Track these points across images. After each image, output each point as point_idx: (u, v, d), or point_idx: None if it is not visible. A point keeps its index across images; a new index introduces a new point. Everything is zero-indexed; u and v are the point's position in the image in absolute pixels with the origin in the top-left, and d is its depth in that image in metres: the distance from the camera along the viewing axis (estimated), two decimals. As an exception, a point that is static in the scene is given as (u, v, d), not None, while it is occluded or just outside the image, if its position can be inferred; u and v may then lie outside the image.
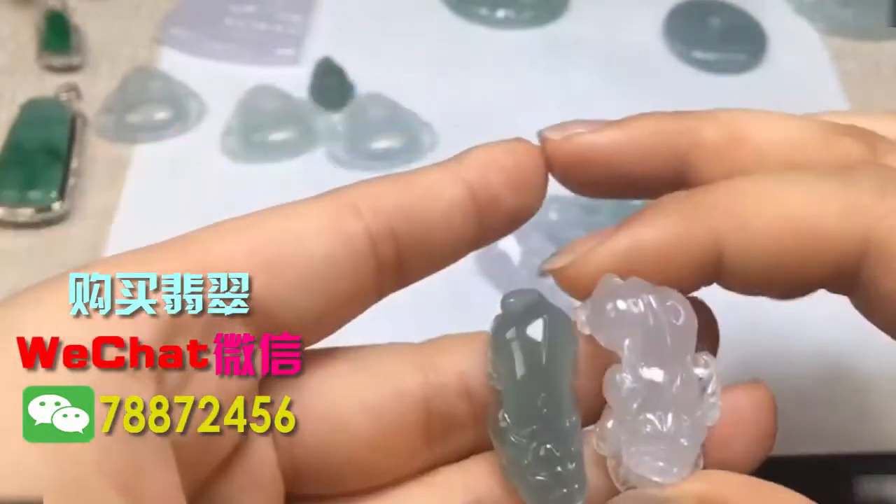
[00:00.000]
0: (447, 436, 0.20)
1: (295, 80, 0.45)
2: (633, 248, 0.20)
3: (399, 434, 0.20)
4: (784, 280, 0.20)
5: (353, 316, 0.20)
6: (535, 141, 0.22)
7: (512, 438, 0.19)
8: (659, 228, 0.20)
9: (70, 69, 0.46)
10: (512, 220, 0.20)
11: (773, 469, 0.32)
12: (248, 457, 0.19)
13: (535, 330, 0.19)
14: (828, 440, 0.33)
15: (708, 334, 0.20)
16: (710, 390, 0.19)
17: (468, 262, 0.37)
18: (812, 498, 0.32)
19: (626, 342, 0.19)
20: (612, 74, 0.48)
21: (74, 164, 0.40)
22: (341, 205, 0.19)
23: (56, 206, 0.38)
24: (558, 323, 0.19)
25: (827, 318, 0.36)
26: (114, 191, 0.40)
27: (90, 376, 0.15)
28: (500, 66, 0.48)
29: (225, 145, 0.43)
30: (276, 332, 0.18)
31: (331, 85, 0.45)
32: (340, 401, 0.19)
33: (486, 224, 0.20)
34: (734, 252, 0.20)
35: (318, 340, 0.20)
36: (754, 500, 0.18)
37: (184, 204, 0.39)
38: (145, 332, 0.16)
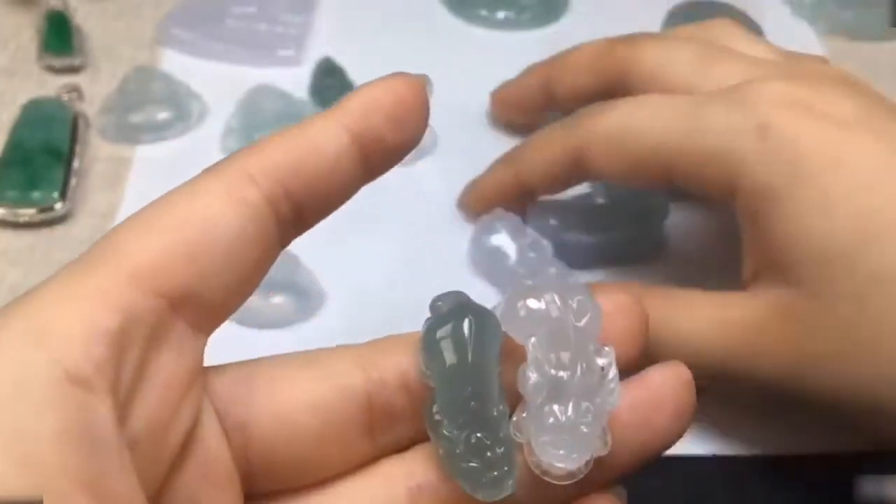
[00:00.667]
0: (389, 429, 0.22)
1: (295, 80, 0.45)
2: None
3: (344, 428, 0.21)
4: (635, 182, 0.33)
5: (265, 272, 0.21)
6: None
7: (445, 431, 0.20)
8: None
9: (71, 70, 0.46)
10: (396, 156, 0.21)
11: (774, 468, 0.33)
12: (201, 453, 0.19)
13: (461, 328, 0.21)
14: (828, 440, 0.33)
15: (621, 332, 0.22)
16: (609, 377, 0.20)
17: (463, 262, 0.38)
18: (812, 498, 0.32)
19: (532, 340, 0.20)
20: (612, 75, 0.48)
21: (76, 164, 0.40)
22: (238, 177, 0.20)
23: (58, 206, 0.38)
24: (483, 321, 0.21)
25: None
26: (115, 191, 0.40)
27: None
28: (499, 67, 0.48)
29: (226, 145, 0.43)
30: (205, 312, 0.19)
31: (331, 85, 0.45)
32: (288, 400, 0.21)
33: (372, 163, 0.21)
34: (592, 160, 0.33)
35: (240, 305, 0.20)
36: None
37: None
38: (97, 352, 0.17)
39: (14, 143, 0.40)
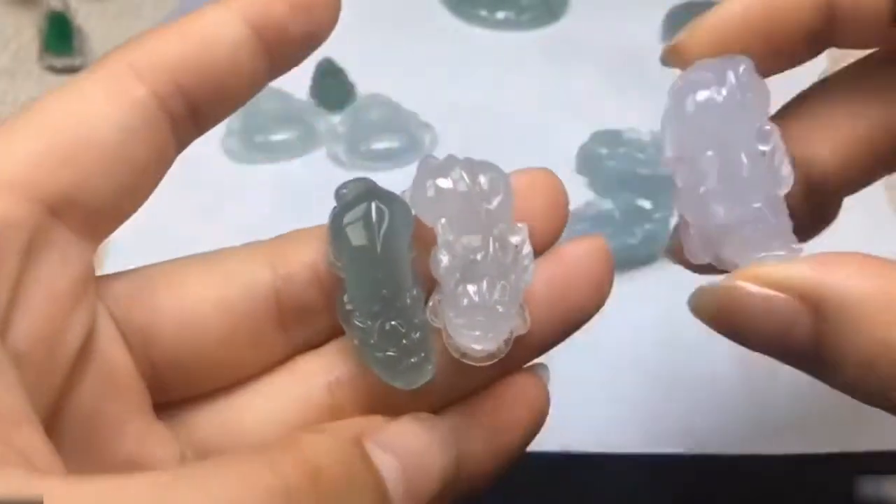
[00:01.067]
0: (301, 324, 0.21)
1: (295, 80, 0.45)
2: (747, 8, 0.21)
3: (252, 326, 0.20)
4: None
5: (162, 173, 0.20)
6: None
7: (356, 322, 0.19)
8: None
9: (72, 70, 0.46)
10: (304, 48, 0.20)
11: (774, 468, 0.33)
12: (99, 363, 0.19)
13: (368, 214, 0.20)
14: (828, 440, 0.33)
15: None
16: (523, 253, 0.20)
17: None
18: (812, 498, 0.32)
19: (442, 221, 0.19)
20: (611, 75, 0.48)
21: (76, 164, 0.40)
22: (120, 73, 0.18)
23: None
24: (391, 205, 0.20)
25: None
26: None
27: None
28: (499, 67, 0.48)
29: (225, 145, 0.43)
30: (92, 217, 0.18)
31: (331, 86, 0.45)
32: (191, 301, 0.20)
33: (277, 55, 0.20)
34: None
35: (135, 209, 0.19)
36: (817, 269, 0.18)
37: (184, 204, 0.40)
38: None
39: (14, 143, 0.40)
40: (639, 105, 0.47)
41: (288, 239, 0.21)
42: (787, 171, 0.20)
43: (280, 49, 0.20)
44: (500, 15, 0.51)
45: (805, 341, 0.18)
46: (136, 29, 0.48)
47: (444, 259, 0.19)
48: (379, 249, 0.20)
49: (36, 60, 0.46)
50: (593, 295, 0.21)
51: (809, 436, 0.33)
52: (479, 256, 0.19)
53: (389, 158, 0.43)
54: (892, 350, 0.17)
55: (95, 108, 0.18)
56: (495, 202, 0.20)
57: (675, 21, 0.50)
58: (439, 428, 0.19)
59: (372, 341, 0.19)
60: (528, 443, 0.21)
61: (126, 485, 0.14)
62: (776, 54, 0.22)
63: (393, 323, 0.19)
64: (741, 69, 0.21)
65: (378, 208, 0.20)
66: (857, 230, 0.43)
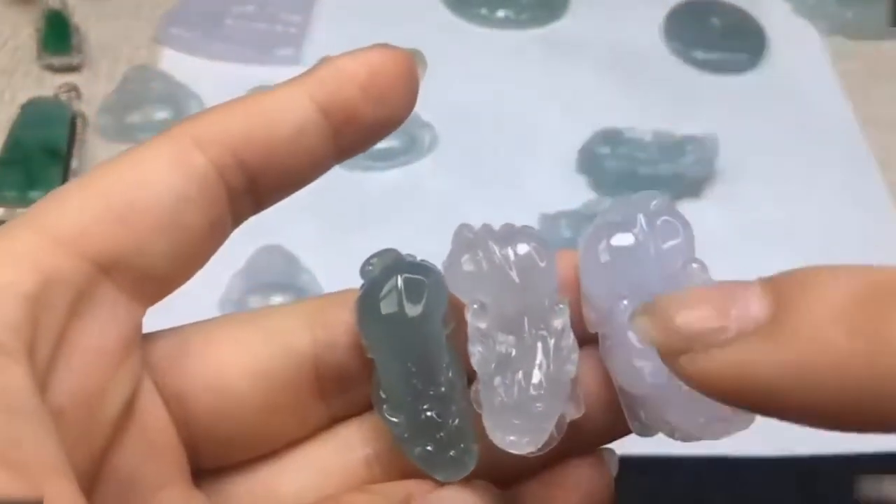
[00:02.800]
0: (341, 392, 0.20)
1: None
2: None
3: (291, 395, 0.20)
4: None
5: (217, 246, 0.19)
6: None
7: (387, 416, 0.18)
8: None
9: (70, 69, 0.46)
10: (376, 132, 0.20)
11: (774, 468, 0.33)
12: (142, 425, 0.18)
13: (392, 296, 0.18)
14: (828, 440, 0.33)
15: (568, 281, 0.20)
16: (565, 343, 0.18)
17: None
18: (812, 498, 0.32)
19: (474, 307, 0.18)
20: (611, 74, 0.48)
21: (75, 163, 0.40)
22: (181, 142, 0.18)
23: (56, 206, 0.38)
24: (421, 279, 0.19)
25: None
26: (114, 191, 0.40)
27: None
28: (499, 66, 0.48)
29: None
30: (142, 279, 0.18)
31: (331, 85, 0.45)
32: (225, 368, 0.19)
33: (345, 139, 0.19)
34: None
35: (187, 277, 0.19)
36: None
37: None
38: (12, 315, 0.16)
39: (13, 142, 0.40)
40: (639, 104, 0.47)
41: (329, 301, 0.20)
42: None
43: (350, 132, 0.19)
44: (501, 13, 0.50)
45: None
46: (135, 28, 0.48)
47: (478, 350, 0.18)
48: (408, 331, 0.18)
49: (34, 59, 0.46)
50: None
51: (809, 436, 0.33)
52: (513, 352, 0.18)
53: (389, 158, 0.43)
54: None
55: (153, 173, 0.18)
56: (535, 277, 0.18)
57: (677, 20, 0.50)
58: (495, 497, 0.18)
59: (406, 436, 0.18)
60: None
61: None
62: None
63: (429, 414, 0.18)
64: (653, 205, 0.19)
65: (407, 283, 0.19)
66: (857, 230, 0.43)
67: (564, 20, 0.51)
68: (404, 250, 0.31)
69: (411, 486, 0.18)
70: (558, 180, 0.42)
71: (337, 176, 0.43)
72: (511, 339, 0.18)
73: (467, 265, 0.18)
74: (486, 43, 0.50)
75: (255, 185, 0.19)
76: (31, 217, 0.17)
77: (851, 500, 0.31)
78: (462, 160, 0.41)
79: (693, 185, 0.42)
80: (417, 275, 0.19)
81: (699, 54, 0.49)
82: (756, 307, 0.15)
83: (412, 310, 0.18)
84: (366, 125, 0.19)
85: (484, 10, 0.50)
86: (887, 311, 0.14)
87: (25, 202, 0.38)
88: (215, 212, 0.19)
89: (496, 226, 0.19)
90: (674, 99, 0.47)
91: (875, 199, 0.43)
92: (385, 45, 0.19)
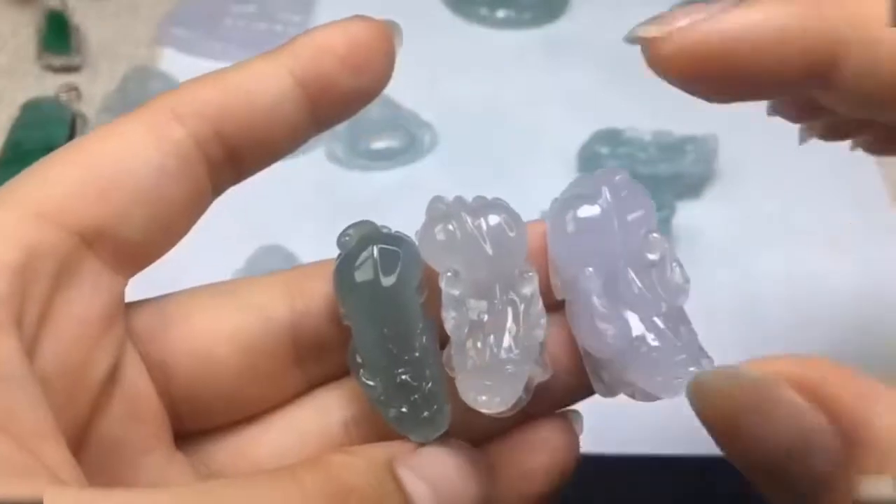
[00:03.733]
0: (319, 359, 0.21)
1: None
2: (742, 33, 0.19)
3: (269, 361, 0.20)
4: None
5: (197, 216, 0.20)
6: None
7: (364, 379, 0.19)
8: (773, 17, 0.19)
9: (70, 69, 0.46)
10: (354, 103, 0.20)
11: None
12: (125, 392, 0.19)
13: (368, 265, 0.19)
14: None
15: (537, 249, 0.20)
16: (533, 307, 0.19)
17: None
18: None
19: (448, 274, 0.19)
20: (612, 74, 0.48)
21: (74, 164, 0.40)
22: (160, 115, 0.19)
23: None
24: (396, 249, 0.19)
25: (829, 319, 0.36)
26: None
27: None
28: (499, 66, 0.48)
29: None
30: (124, 250, 0.18)
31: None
32: (205, 335, 0.20)
33: (323, 110, 0.20)
34: (855, 63, 0.18)
35: (169, 247, 0.20)
36: (851, 388, 0.16)
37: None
38: None
39: (12, 142, 0.40)
40: (639, 104, 0.47)
41: (306, 271, 0.21)
42: (680, 278, 0.19)
43: (328, 104, 0.19)
44: (501, 13, 0.50)
45: (823, 460, 0.17)
46: (135, 28, 0.48)
47: (452, 315, 0.19)
48: (383, 301, 0.19)
49: (34, 59, 0.46)
50: None
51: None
52: (485, 317, 0.18)
53: (389, 158, 0.43)
54: None
55: (133, 146, 0.18)
56: (504, 248, 0.19)
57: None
58: (474, 458, 0.19)
59: (382, 398, 0.19)
60: (553, 490, 0.20)
61: (148, 498, 0.14)
62: (758, 94, 0.22)
63: (403, 377, 0.19)
64: (616, 179, 0.20)
65: (382, 253, 0.19)
66: (857, 230, 0.43)
67: (564, 20, 0.51)
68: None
69: (389, 446, 0.18)
70: (558, 180, 0.42)
71: (337, 176, 0.43)
72: (483, 304, 0.19)
73: (440, 235, 0.19)
74: (486, 43, 0.50)
75: (235, 157, 0.19)
76: (12, 191, 0.18)
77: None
78: (462, 160, 0.41)
79: (693, 185, 0.42)
80: (392, 245, 0.19)
81: (699, 54, 0.49)
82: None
83: (387, 279, 0.19)
84: (343, 96, 0.19)
85: (484, 10, 0.51)
86: None
87: (25, 202, 0.38)
88: (195, 183, 0.19)
89: (469, 198, 0.20)
90: (674, 99, 0.47)
91: (875, 199, 0.43)
92: (362, 16, 0.20)
